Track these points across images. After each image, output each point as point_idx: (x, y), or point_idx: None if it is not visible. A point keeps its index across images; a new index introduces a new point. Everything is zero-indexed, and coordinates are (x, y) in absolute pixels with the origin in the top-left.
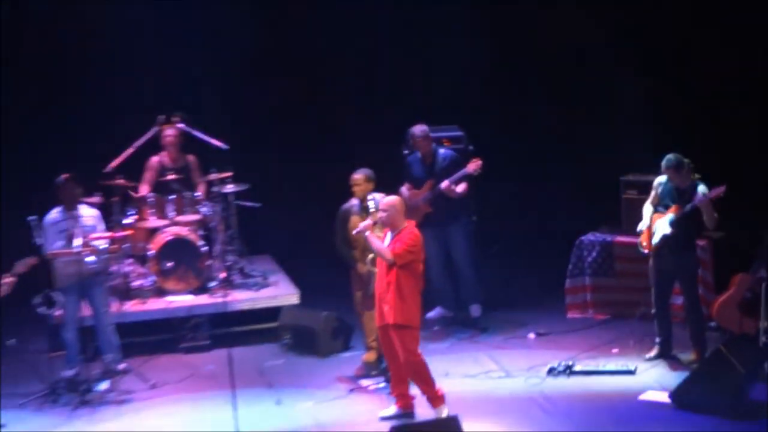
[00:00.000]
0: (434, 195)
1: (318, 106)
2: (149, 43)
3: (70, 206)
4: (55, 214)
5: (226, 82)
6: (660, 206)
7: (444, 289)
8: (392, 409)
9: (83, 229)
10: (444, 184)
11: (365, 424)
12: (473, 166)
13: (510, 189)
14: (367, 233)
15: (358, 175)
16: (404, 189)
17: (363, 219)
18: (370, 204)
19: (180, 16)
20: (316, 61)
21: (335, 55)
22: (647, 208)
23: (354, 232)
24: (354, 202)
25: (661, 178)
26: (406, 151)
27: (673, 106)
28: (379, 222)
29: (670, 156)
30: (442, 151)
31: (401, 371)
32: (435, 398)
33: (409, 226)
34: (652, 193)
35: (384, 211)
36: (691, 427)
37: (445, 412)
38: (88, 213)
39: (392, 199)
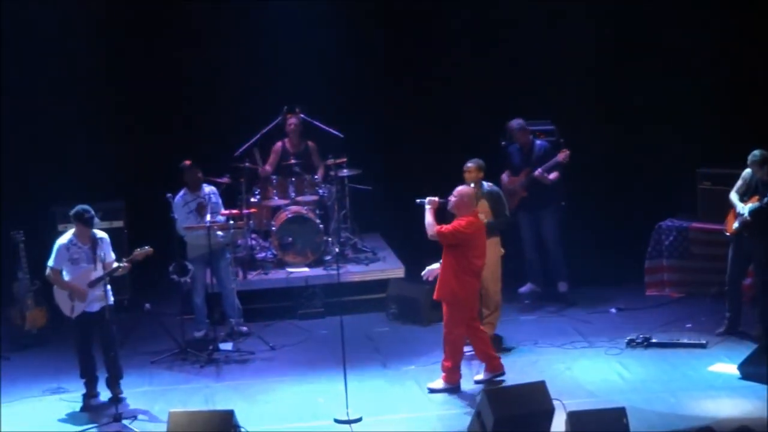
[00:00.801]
0: (529, 181)
1: (429, 99)
2: (274, 38)
3: (194, 188)
4: (182, 194)
5: (345, 76)
6: (745, 195)
7: (534, 266)
8: (440, 382)
9: (212, 206)
10: (537, 171)
11: (464, 382)
12: (563, 155)
13: (598, 178)
14: (427, 206)
15: (471, 164)
16: (504, 175)
17: None
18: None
19: (303, 13)
20: (430, 57)
21: (447, 50)
22: (733, 196)
23: (417, 201)
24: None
25: (749, 170)
26: (503, 142)
27: (751, 97)
28: (451, 207)
29: (756, 151)
30: (538, 142)
31: (475, 339)
32: (450, 373)
33: (471, 216)
34: (739, 182)
35: (454, 197)
36: (754, 396)
37: (494, 378)
38: (209, 190)
39: (464, 188)
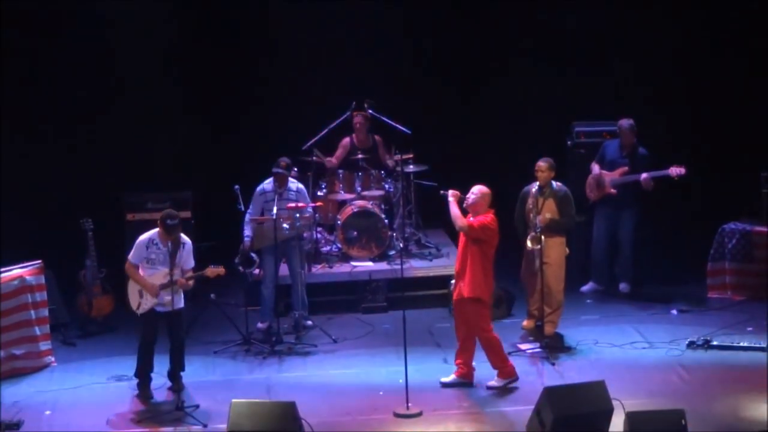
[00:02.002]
0: (624, 181)
1: (495, 97)
2: (342, 38)
3: (282, 184)
4: (266, 184)
5: (412, 74)
6: None
7: (600, 265)
8: (452, 376)
9: (285, 200)
10: (644, 177)
11: (524, 379)
12: (676, 171)
13: (663, 180)
14: (450, 199)
15: (543, 163)
16: (595, 166)
17: (539, 201)
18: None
19: (371, 15)
20: (494, 55)
21: (512, 48)
22: None
23: (441, 192)
24: (534, 185)
25: None
26: (569, 143)
27: None
28: (470, 203)
29: None
30: (641, 149)
31: (467, 342)
32: (504, 370)
33: (489, 214)
34: None
35: (473, 194)
36: None
37: (509, 384)
38: (294, 187)
39: (483, 188)
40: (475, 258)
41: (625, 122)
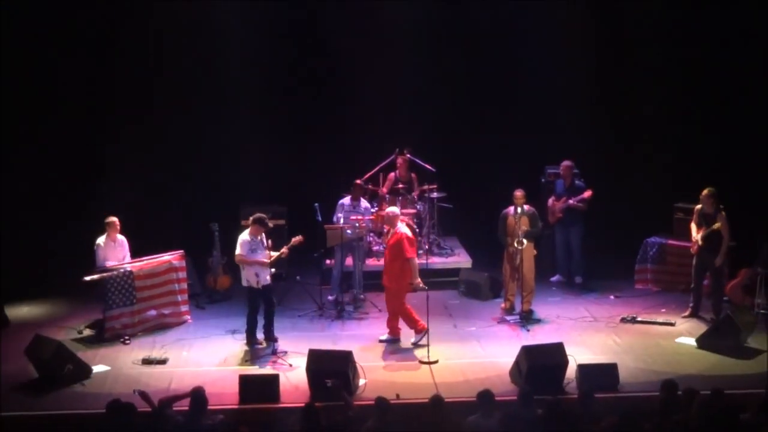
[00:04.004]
0: (566, 207)
1: (493, 145)
2: (390, 87)
3: (356, 199)
4: (345, 200)
5: (439, 120)
6: (699, 225)
7: (562, 263)
8: (385, 335)
9: (358, 213)
10: (571, 201)
11: (508, 340)
12: (588, 193)
13: (609, 208)
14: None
15: (519, 193)
16: (550, 200)
17: (516, 220)
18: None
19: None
20: (489, 109)
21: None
22: (693, 227)
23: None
24: (511, 208)
25: (699, 206)
26: (543, 180)
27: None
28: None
29: (705, 190)
30: (577, 181)
31: (392, 314)
32: (417, 329)
33: (400, 228)
34: (694, 216)
35: (387, 215)
36: (706, 360)
37: (422, 338)
38: (364, 204)
39: (393, 209)
40: (395, 262)
41: (565, 163)
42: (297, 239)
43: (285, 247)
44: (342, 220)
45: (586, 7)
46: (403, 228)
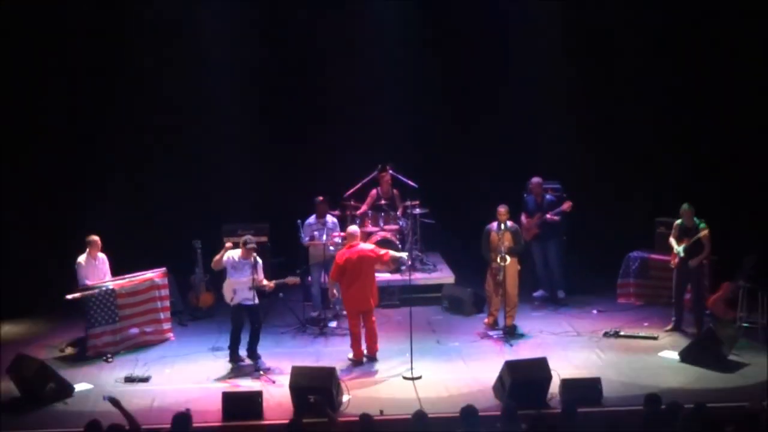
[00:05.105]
0: (542, 222)
1: (475, 161)
2: (372, 105)
3: (321, 216)
4: (311, 219)
5: (420, 136)
6: (680, 238)
7: (543, 279)
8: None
9: (328, 230)
10: (548, 215)
11: (491, 355)
12: (567, 205)
13: (590, 221)
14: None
15: (503, 209)
16: (523, 217)
17: (499, 236)
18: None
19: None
20: (473, 132)
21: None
22: (672, 240)
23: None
24: (494, 224)
25: (679, 220)
26: (525, 195)
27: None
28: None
29: (684, 204)
30: (547, 196)
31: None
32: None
33: (356, 244)
34: (674, 230)
35: (348, 232)
36: (689, 374)
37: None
38: (331, 220)
39: (352, 228)
40: (371, 275)
41: (534, 180)
42: (292, 280)
43: (274, 281)
44: (318, 238)
45: (571, 23)
46: (361, 246)
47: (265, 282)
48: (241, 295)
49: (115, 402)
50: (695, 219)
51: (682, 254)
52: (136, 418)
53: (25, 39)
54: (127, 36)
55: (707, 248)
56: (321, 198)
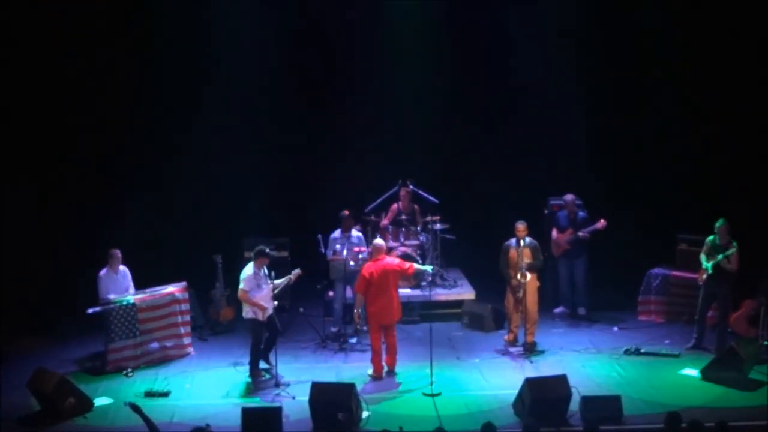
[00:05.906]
0: (574, 239)
1: (499, 177)
2: (394, 119)
3: (346, 230)
4: (336, 233)
5: (442, 152)
6: (710, 255)
7: (566, 295)
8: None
9: (351, 244)
10: (582, 232)
11: (511, 372)
12: (601, 224)
13: (608, 239)
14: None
15: (521, 225)
16: (554, 232)
17: (519, 252)
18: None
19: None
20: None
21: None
22: (702, 257)
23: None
24: (513, 240)
25: (710, 237)
26: (546, 211)
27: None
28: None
29: (719, 220)
30: (580, 213)
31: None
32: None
33: (382, 258)
34: (705, 247)
35: (374, 246)
36: (710, 392)
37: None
38: (355, 235)
39: (378, 242)
40: (395, 287)
41: (569, 197)
42: (296, 273)
43: (288, 277)
44: (340, 252)
45: (594, 35)
46: (387, 260)
47: (278, 281)
48: (270, 308)
49: (136, 408)
50: (729, 237)
51: (710, 271)
52: (157, 426)
53: (51, 52)
54: (156, 56)
55: (735, 268)
56: (347, 212)
